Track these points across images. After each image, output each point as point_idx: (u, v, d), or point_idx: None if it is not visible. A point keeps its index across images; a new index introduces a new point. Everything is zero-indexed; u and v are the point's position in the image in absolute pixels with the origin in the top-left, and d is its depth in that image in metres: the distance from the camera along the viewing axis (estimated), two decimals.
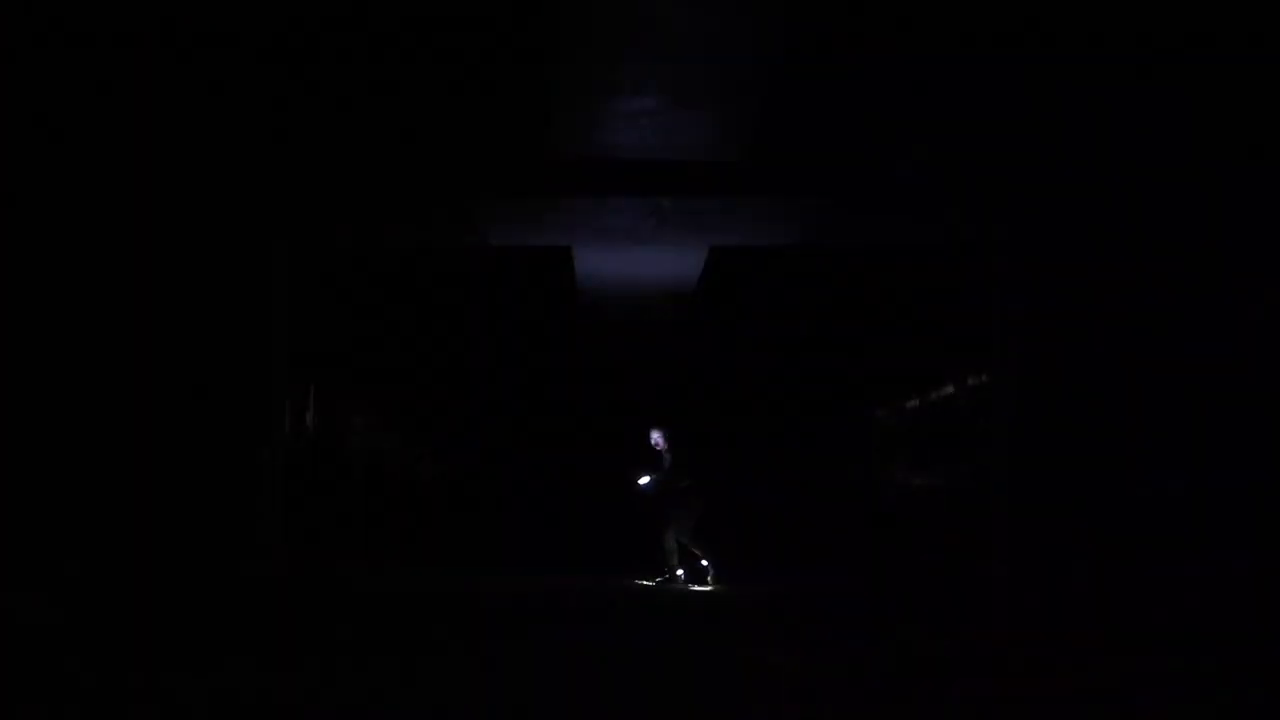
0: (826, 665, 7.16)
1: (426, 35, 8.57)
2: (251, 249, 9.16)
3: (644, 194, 9.19)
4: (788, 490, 19.32)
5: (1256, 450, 8.84)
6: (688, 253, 11.29)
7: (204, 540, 8.84)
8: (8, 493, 8.71)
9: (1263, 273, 8.93)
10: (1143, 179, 8.98)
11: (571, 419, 21.42)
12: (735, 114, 8.11)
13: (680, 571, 11.26)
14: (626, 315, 14.35)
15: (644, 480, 11.85)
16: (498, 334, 18.37)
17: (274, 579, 9.30)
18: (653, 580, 11.24)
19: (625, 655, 6.97)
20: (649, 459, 11.69)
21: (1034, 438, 9.06)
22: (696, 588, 11.09)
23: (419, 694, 5.69)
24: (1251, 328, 8.90)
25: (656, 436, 11.61)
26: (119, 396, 8.94)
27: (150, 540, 8.78)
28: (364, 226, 10.21)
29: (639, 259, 11.49)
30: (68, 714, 4.86)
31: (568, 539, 16.16)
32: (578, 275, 12.34)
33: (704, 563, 11.25)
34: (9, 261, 8.79)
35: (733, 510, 16.21)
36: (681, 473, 11.39)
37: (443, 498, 21.13)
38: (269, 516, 9.29)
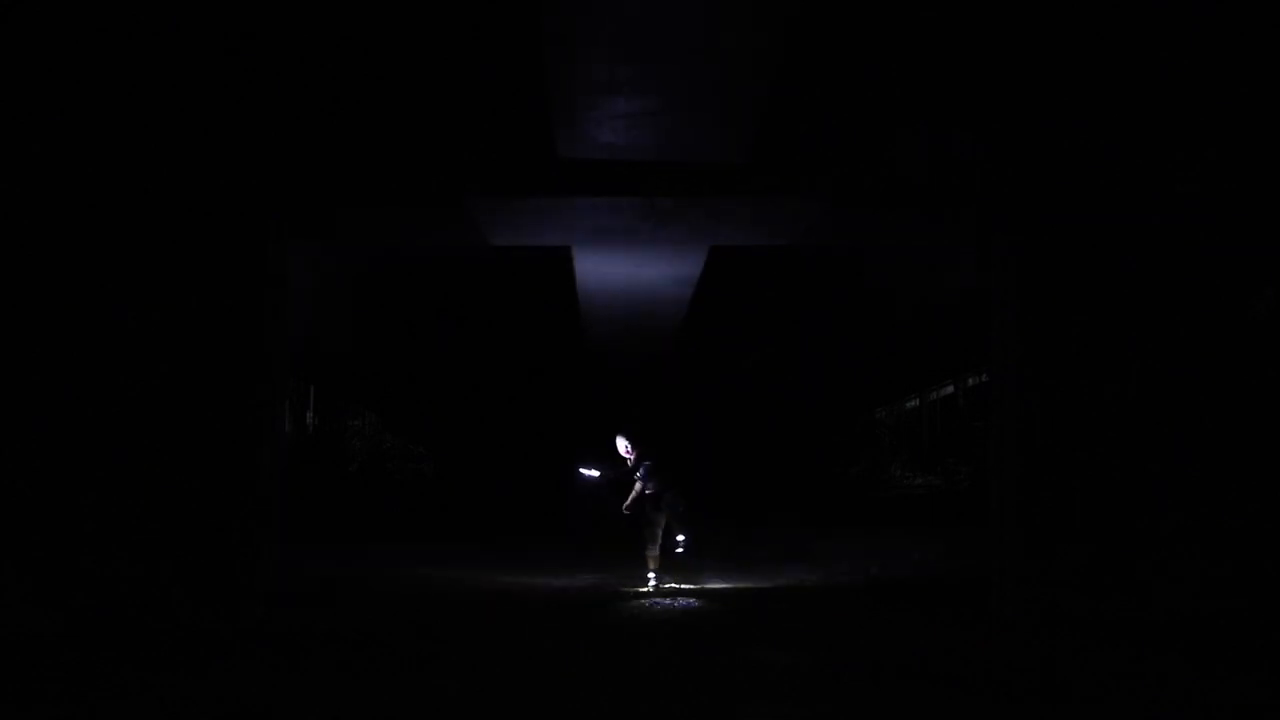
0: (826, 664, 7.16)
1: (427, 33, 8.56)
2: (249, 251, 9.11)
3: (644, 194, 9.18)
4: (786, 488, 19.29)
5: (1262, 448, 8.83)
6: (688, 253, 11.28)
7: (194, 549, 8.73)
8: None
9: (1269, 272, 8.92)
10: (1149, 176, 8.98)
11: (567, 419, 21.36)
12: (735, 114, 8.10)
13: (651, 576, 11.17)
14: (626, 314, 14.33)
15: (592, 472, 11.72)
16: (496, 333, 18.33)
17: (269, 592, 9.22)
18: (646, 588, 11.10)
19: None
20: (617, 464, 11.54)
21: (1036, 438, 9.05)
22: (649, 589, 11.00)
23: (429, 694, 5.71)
24: (1258, 327, 8.88)
25: (623, 443, 11.47)
26: (97, 392, 8.76)
27: (137, 549, 8.65)
28: (364, 228, 10.19)
29: (639, 259, 11.48)
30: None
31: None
32: (577, 275, 12.32)
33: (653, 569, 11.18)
34: None
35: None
36: (653, 478, 11.22)
37: (442, 497, 21.07)
38: (267, 521, 9.21)
